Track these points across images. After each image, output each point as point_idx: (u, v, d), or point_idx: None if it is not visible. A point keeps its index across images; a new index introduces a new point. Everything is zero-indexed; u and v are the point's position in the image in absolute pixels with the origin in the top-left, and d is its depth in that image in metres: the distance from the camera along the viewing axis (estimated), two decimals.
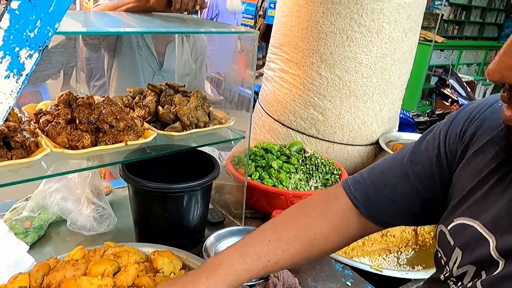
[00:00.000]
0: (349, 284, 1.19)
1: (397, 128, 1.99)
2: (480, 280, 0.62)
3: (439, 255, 0.74)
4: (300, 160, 1.51)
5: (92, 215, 1.29)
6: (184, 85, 1.37)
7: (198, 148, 1.34)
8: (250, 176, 1.44)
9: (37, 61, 0.48)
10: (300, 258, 0.85)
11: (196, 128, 1.20)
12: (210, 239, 1.21)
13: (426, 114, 3.99)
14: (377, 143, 1.84)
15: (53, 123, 1.03)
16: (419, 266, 1.59)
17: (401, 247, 1.70)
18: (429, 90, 6.56)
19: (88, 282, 0.84)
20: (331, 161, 1.57)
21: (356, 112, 1.69)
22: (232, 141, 1.36)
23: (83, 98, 1.08)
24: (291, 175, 1.45)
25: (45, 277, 0.89)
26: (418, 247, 1.71)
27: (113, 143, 1.03)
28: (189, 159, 1.34)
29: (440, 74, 4.38)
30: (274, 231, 0.85)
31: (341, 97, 1.66)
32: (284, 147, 1.57)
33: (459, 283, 0.66)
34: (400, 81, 1.74)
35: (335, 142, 1.76)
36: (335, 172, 1.54)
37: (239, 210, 1.43)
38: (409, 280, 1.29)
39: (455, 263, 0.67)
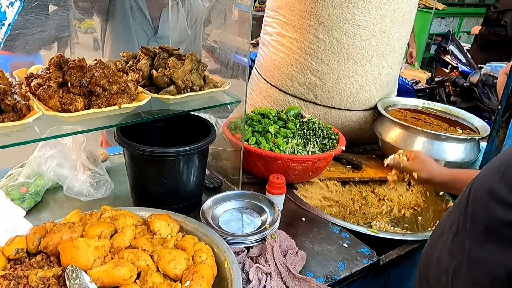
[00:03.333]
0: (346, 246, 1.20)
1: (395, 93, 1.97)
2: None
3: None
4: (297, 125, 1.49)
5: (88, 181, 1.28)
6: (179, 49, 1.33)
7: (194, 113, 1.33)
8: (247, 141, 1.43)
9: (19, 10, 0.46)
10: None
11: (191, 91, 1.18)
12: (207, 203, 1.22)
13: (426, 81, 3.95)
14: (375, 108, 1.83)
15: (44, 87, 1.01)
16: (415, 228, 1.61)
17: (398, 211, 1.71)
18: (429, 59, 6.47)
19: (85, 243, 0.84)
20: (328, 126, 1.56)
21: (354, 76, 1.67)
22: (228, 106, 1.34)
23: (74, 60, 1.05)
24: (288, 140, 1.44)
25: (42, 239, 0.90)
26: (413, 210, 1.73)
27: (106, 107, 1.01)
28: (185, 124, 1.33)
29: (440, 42, 4.31)
30: None
31: (339, 61, 1.63)
32: (281, 112, 1.55)
33: None
34: (399, 44, 1.71)
35: (332, 108, 1.74)
36: (332, 137, 1.53)
37: (236, 176, 1.43)
38: (405, 241, 1.31)
39: None
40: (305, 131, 1.50)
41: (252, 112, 1.56)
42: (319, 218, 1.33)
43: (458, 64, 3.78)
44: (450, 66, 3.85)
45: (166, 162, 1.16)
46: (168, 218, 1.04)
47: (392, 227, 1.67)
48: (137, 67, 1.24)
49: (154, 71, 1.20)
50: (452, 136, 1.59)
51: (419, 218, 1.69)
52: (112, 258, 0.87)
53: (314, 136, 1.50)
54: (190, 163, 1.20)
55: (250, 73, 1.99)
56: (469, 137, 1.60)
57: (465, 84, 3.44)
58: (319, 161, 1.40)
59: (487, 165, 0.80)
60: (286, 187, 1.31)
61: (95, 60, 1.10)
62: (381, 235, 1.30)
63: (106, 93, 1.03)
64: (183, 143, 1.15)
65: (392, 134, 1.68)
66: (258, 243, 1.11)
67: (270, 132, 1.42)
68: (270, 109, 1.57)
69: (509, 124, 1.52)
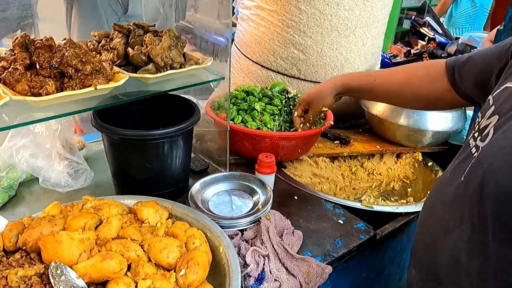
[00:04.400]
0: (341, 222, 1.18)
1: (379, 65, 1.94)
2: (493, 125, 0.74)
3: (476, 120, 0.84)
4: (283, 101, 1.44)
5: (66, 171, 1.20)
6: (154, 25, 1.25)
7: (176, 93, 1.26)
8: (232, 120, 1.37)
9: None
10: (395, 89, 1.17)
11: (171, 69, 1.11)
12: (195, 187, 1.16)
13: (404, 54, 3.95)
14: None
15: (10, 70, 0.92)
16: (406, 199, 1.61)
17: (387, 184, 1.70)
18: (401, 33, 6.48)
19: (69, 237, 0.78)
20: None
21: (339, 48, 1.62)
22: (211, 84, 1.28)
23: (41, 40, 0.97)
24: (275, 117, 1.39)
25: (19, 236, 0.83)
26: (402, 183, 1.72)
27: (80, 88, 0.94)
28: (167, 105, 1.26)
29: (415, 15, 4.30)
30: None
31: (322, 33, 1.58)
32: (266, 88, 1.49)
33: (478, 137, 0.78)
34: (382, 13, 1.67)
35: (317, 82, 1.69)
36: None
37: (223, 157, 1.38)
38: (400, 214, 1.29)
39: (485, 117, 0.79)
40: (291, 107, 1.45)
41: (235, 90, 1.50)
42: (311, 196, 1.30)
43: (435, 35, 3.78)
44: (427, 38, 3.84)
45: (149, 145, 1.10)
46: (156, 204, 0.99)
47: (382, 201, 1.66)
48: (111, 46, 1.16)
49: (129, 49, 1.12)
50: None
51: (409, 190, 1.69)
52: (99, 251, 0.81)
53: None
54: (175, 146, 1.14)
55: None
56: None
57: (443, 55, 3.45)
58: (308, 137, 1.36)
59: (495, 153, 0.71)
60: (275, 166, 1.27)
61: (65, 39, 1.02)
62: (375, 208, 1.28)
63: (79, 74, 0.95)
64: (165, 125, 1.08)
65: (378, 107, 1.66)
66: (252, 225, 1.07)
67: (256, 110, 1.37)
68: (254, 86, 1.51)
69: None
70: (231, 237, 1.03)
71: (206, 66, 1.19)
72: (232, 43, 1.96)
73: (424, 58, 3.80)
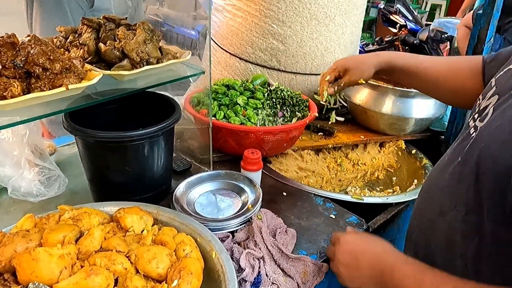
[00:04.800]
0: (333, 217, 1.15)
1: (358, 53, 1.91)
2: (493, 105, 0.72)
3: (477, 102, 0.83)
4: (266, 94, 1.39)
5: (37, 178, 1.12)
6: (126, 18, 1.17)
7: (153, 91, 1.19)
8: (214, 116, 1.31)
9: None
10: (438, 77, 1.11)
11: (147, 65, 1.05)
12: (179, 188, 1.10)
13: (376, 43, 3.97)
14: None
15: None
16: (393, 189, 1.60)
17: (372, 173, 1.69)
18: (368, 22, 6.56)
19: (47, 253, 0.71)
20: (297, 93, 1.48)
21: (318, 37, 1.58)
22: (190, 79, 1.21)
23: (2, 37, 0.88)
24: (258, 111, 1.34)
25: None
26: (386, 172, 1.71)
27: (50, 89, 0.86)
28: (144, 103, 1.19)
29: (379, 4, 4.34)
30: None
31: (301, 22, 1.54)
32: (247, 81, 1.44)
33: (478, 118, 0.76)
34: (361, 0, 1.64)
35: (297, 73, 1.66)
36: (302, 104, 1.45)
37: (205, 155, 1.32)
38: (390, 204, 1.27)
39: (485, 98, 0.78)
40: (274, 100, 1.40)
41: (215, 84, 1.43)
42: (300, 191, 1.26)
43: (406, 22, 3.82)
44: (398, 25, 3.88)
45: (128, 147, 1.03)
46: (139, 210, 0.92)
47: (368, 191, 1.64)
48: (80, 42, 1.08)
49: (101, 45, 1.05)
50: (418, 91, 1.56)
51: (394, 178, 1.68)
52: (82, 266, 0.74)
53: (284, 105, 1.42)
54: (156, 146, 1.07)
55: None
56: None
57: (415, 42, 3.48)
58: (294, 130, 1.32)
59: (492, 132, 0.70)
60: (262, 162, 1.22)
61: (28, 35, 0.93)
62: (366, 200, 1.26)
63: (47, 73, 0.87)
64: (143, 124, 1.02)
65: (360, 96, 1.63)
66: (243, 225, 1.02)
67: (239, 104, 1.31)
68: (234, 79, 1.45)
69: None
70: (222, 240, 0.98)
71: (185, 60, 1.13)
72: (199, 37, 1.89)
73: (396, 45, 3.83)
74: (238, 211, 1.05)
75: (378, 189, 1.68)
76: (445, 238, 0.78)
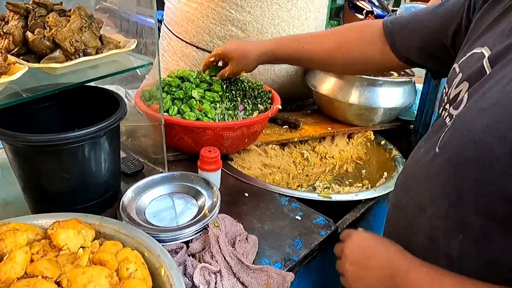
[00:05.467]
0: (299, 218, 1.07)
1: None
2: (467, 91, 0.68)
3: (443, 92, 0.79)
4: (224, 86, 1.29)
5: None
6: (61, 3, 1.04)
7: (94, 84, 1.07)
8: (167, 111, 1.20)
9: None
10: (325, 56, 1.12)
11: (84, 56, 0.93)
12: (127, 195, 0.99)
13: None
14: None
15: None
16: (362, 182, 1.54)
17: (340, 166, 1.63)
18: (335, 9, 6.52)
19: None
20: (259, 84, 1.38)
21: (280, 23, 1.49)
22: (138, 71, 1.10)
23: None
24: (216, 104, 1.24)
25: None
26: (355, 164, 1.66)
27: None
28: (85, 100, 1.07)
29: None
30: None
31: (262, 7, 1.44)
32: (204, 72, 1.33)
33: (450, 107, 0.71)
34: None
35: None
36: (265, 96, 1.36)
37: (160, 155, 1.21)
38: (359, 201, 1.21)
39: (453, 86, 0.73)
40: (233, 92, 1.30)
41: (168, 76, 1.32)
42: (263, 190, 1.17)
43: (373, 8, 3.78)
44: (365, 11, 3.84)
45: (65, 151, 0.91)
46: (78, 223, 0.81)
47: (337, 185, 1.58)
48: (5, 31, 0.94)
49: (29, 34, 0.92)
50: (390, 80, 1.50)
51: (363, 171, 1.62)
52: None
53: (244, 97, 1.32)
54: (98, 148, 0.95)
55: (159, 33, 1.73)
56: (406, 80, 1.53)
57: None
58: (255, 124, 1.23)
59: (474, 117, 0.63)
60: (221, 159, 1.13)
61: None
62: (334, 198, 1.19)
63: None
64: (85, 124, 0.90)
65: (327, 85, 1.56)
66: (199, 234, 0.92)
67: (194, 98, 1.21)
68: (189, 70, 1.34)
69: None
70: (175, 251, 0.88)
71: (129, 50, 1.01)
72: (161, 23, 1.76)
73: None
74: (193, 218, 0.96)
75: (347, 182, 1.62)
76: (427, 237, 0.72)
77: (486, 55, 0.67)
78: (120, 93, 1.59)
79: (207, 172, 1.10)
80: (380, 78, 1.50)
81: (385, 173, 1.47)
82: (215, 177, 1.12)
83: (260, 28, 1.48)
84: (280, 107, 1.30)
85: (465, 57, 0.75)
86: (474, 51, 0.73)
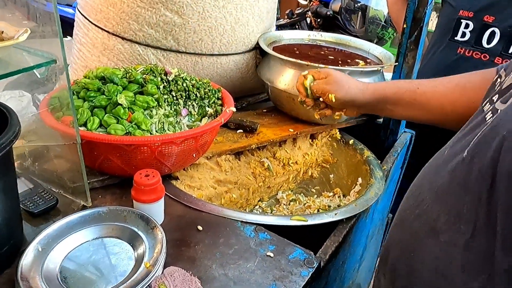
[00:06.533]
0: (271, 255, 0.84)
1: (275, 26, 1.61)
2: None
3: (495, 79, 0.67)
4: (161, 87, 1.02)
5: None
6: None
7: None
8: (85, 125, 0.91)
9: None
10: (446, 99, 0.88)
11: None
12: (29, 252, 0.71)
13: (286, 16, 3.73)
14: (256, 48, 1.45)
15: None
16: (333, 191, 1.34)
17: (305, 172, 1.42)
18: None
19: None
20: (205, 81, 1.13)
21: (226, 5, 1.24)
22: (37, 73, 0.81)
23: None
24: (151, 111, 0.97)
25: None
26: (321, 168, 1.46)
27: None
28: None
29: None
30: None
31: None
32: (133, 70, 1.05)
33: (499, 99, 0.57)
34: None
35: (203, 54, 1.30)
36: (213, 96, 1.11)
37: (79, 182, 0.92)
38: (340, 221, 1.00)
39: (510, 75, 0.60)
40: (173, 94, 1.04)
41: (85, 77, 1.03)
42: (221, 220, 0.93)
43: None
44: None
45: None
46: None
47: (302, 195, 1.37)
48: None
49: None
50: (358, 69, 1.31)
51: (331, 176, 1.43)
52: None
53: (188, 99, 1.06)
54: None
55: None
56: (375, 68, 1.34)
57: (328, 13, 3.30)
58: (205, 135, 0.98)
59: None
60: (163, 181, 0.87)
61: None
62: (311, 221, 0.96)
63: None
64: None
65: (285, 78, 1.33)
66: None
67: (121, 105, 0.92)
68: (113, 68, 1.06)
69: (418, 46, 1.30)
70: None
71: (18, 44, 0.72)
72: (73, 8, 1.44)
73: (307, 18, 3.63)
74: (129, 277, 0.69)
75: (314, 190, 1.42)
76: (436, 268, 0.56)
77: None
78: (25, 100, 1.27)
79: (145, 203, 0.83)
80: (346, 67, 1.30)
81: (360, 179, 1.28)
82: (156, 210, 0.86)
83: (201, 12, 1.21)
84: (234, 109, 1.05)
85: None
86: None
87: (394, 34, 3.33)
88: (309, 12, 3.52)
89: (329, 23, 3.42)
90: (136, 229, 0.79)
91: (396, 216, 0.72)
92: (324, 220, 0.98)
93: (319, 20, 3.51)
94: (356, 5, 3.13)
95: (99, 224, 0.80)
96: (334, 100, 1.02)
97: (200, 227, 0.89)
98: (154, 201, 0.84)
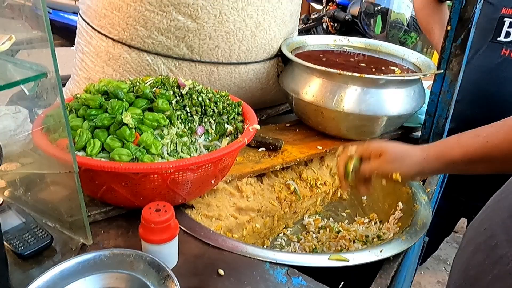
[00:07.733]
0: None
1: (297, 32, 1.48)
2: None
3: None
4: (174, 102, 0.89)
5: None
6: None
7: None
8: (84, 149, 0.78)
9: None
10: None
11: None
12: None
13: (301, 21, 3.60)
14: (278, 55, 1.32)
15: None
16: (369, 216, 1.20)
17: (333, 193, 1.28)
18: None
19: None
20: (223, 94, 0.99)
21: (246, 7, 1.11)
22: (25, 89, 0.68)
23: None
24: (162, 131, 0.84)
25: None
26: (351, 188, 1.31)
27: None
28: None
29: None
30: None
31: None
32: (141, 82, 0.92)
33: None
34: None
35: (219, 63, 1.17)
36: (233, 111, 0.97)
37: (78, 216, 0.79)
38: (387, 259, 0.85)
39: None
40: (188, 109, 0.91)
41: (86, 91, 0.90)
42: (245, 260, 0.79)
43: None
44: (325, 0, 3.54)
45: None
46: None
47: (331, 219, 1.23)
48: None
49: None
50: (397, 78, 1.17)
51: (363, 198, 1.28)
52: None
53: (205, 115, 0.93)
54: None
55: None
56: (417, 77, 1.19)
57: (347, 17, 3.16)
58: (225, 158, 0.84)
59: None
60: (175, 210, 0.73)
61: None
62: (352, 262, 0.82)
63: None
64: None
65: (312, 89, 1.19)
66: None
67: (127, 125, 0.79)
68: (119, 81, 0.93)
69: (464, 50, 1.15)
70: None
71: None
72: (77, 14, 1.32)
73: (324, 23, 3.50)
74: None
75: (344, 214, 1.27)
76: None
77: None
78: (21, 116, 1.15)
79: (156, 244, 0.70)
80: (382, 76, 1.16)
81: (400, 204, 1.13)
82: (168, 251, 0.72)
83: (217, 15, 1.08)
84: (258, 127, 0.91)
85: None
86: None
87: (417, 38, 3.18)
88: (326, 17, 3.39)
89: (347, 28, 3.28)
90: (144, 279, 0.65)
91: (467, 239, 0.58)
92: (368, 260, 0.83)
93: (336, 24, 3.38)
94: (376, 8, 2.99)
95: (100, 272, 0.66)
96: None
97: (221, 271, 0.75)
98: (166, 241, 0.71)
